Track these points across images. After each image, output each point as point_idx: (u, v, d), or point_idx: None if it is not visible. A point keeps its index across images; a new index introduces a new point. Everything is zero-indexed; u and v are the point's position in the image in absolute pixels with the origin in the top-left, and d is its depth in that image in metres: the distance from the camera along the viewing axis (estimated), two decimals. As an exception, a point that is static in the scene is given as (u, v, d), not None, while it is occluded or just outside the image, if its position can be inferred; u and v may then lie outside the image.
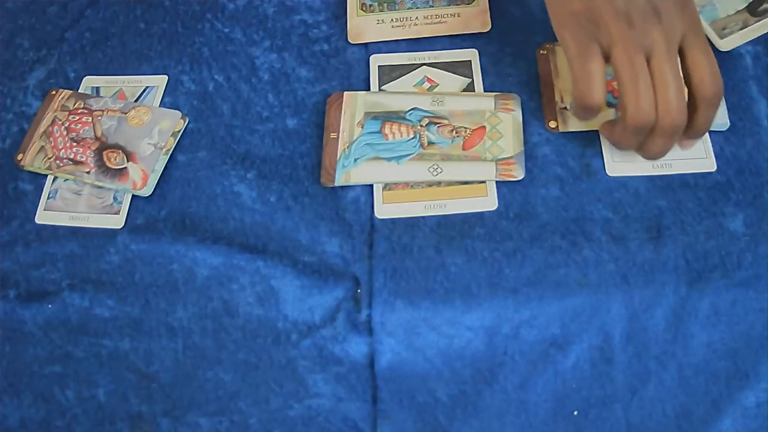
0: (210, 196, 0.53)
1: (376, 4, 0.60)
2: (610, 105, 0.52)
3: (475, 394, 0.47)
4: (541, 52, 0.55)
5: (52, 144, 0.56)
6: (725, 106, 0.52)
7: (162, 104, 0.57)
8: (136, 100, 0.57)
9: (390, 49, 0.58)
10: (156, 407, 0.48)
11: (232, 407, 0.48)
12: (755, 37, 0.52)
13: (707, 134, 0.52)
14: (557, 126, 0.53)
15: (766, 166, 0.51)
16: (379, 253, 0.50)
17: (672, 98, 0.44)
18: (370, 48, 0.58)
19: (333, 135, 0.54)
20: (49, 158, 0.55)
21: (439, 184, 0.52)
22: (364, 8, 0.60)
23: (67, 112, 0.57)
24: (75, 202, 0.54)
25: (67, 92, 0.58)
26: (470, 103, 0.54)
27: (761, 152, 0.51)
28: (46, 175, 0.55)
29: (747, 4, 0.53)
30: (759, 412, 0.46)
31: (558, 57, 0.55)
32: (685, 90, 0.45)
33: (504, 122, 0.53)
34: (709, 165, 0.51)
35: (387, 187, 0.52)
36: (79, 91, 0.59)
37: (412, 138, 0.53)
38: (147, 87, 0.58)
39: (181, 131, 0.56)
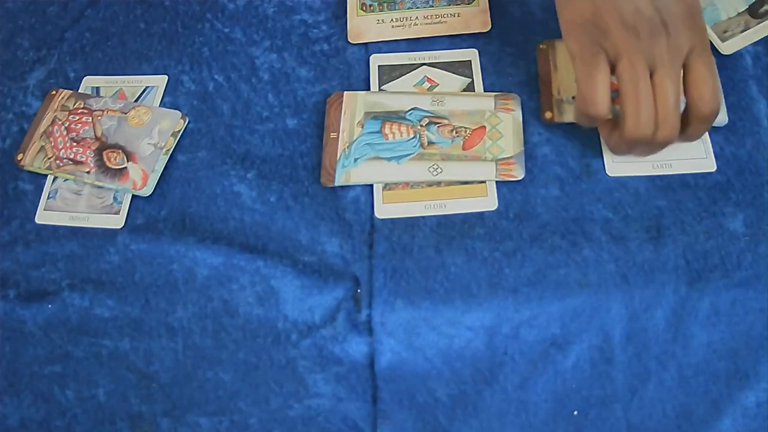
0: (210, 196, 0.53)
1: (376, 4, 0.60)
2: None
3: (475, 394, 0.47)
4: (541, 46, 0.55)
5: (52, 144, 0.56)
6: (724, 104, 0.52)
7: (162, 104, 0.57)
8: (136, 100, 0.57)
9: (390, 49, 0.58)
10: (156, 407, 0.48)
11: (232, 407, 0.48)
12: (757, 39, 0.52)
13: (707, 134, 0.52)
14: (552, 117, 0.53)
15: (766, 166, 0.51)
16: (379, 253, 0.50)
17: (669, 114, 0.44)
18: (370, 48, 0.58)
19: (333, 135, 0.54)
20: (49, 158, 0.55)
21: (439, 184, 0.52)
22: (364, 8, 0.60)
23: (67, 112, 0.57)
24: (75, 202, 0.54)
25: (67, 92, 0.58)
26: (470, 103, 0.54)
27: (761, 152, 0.51)
28: (46, 175, 0.55)
29: (748, 6, 0.53)
30: (759, 412, 0.46)
31: (557, 52, 0.55)
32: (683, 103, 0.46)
33: (504, 122, 0.53)
34: (709, 165, 0.51)
35: (387, 187, 0.52)
36: (79, 91, 0.59)
37: (412, 138, 0.53)
38: (147, 87, 0.58)
39: (181, 131, 0.56)
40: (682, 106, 0.46)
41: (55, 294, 0.51)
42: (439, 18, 0.58)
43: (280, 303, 0.49)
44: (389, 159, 0.52)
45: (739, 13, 0.53)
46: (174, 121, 0.56)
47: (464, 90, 0.55)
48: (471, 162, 0.52)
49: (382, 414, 0.47)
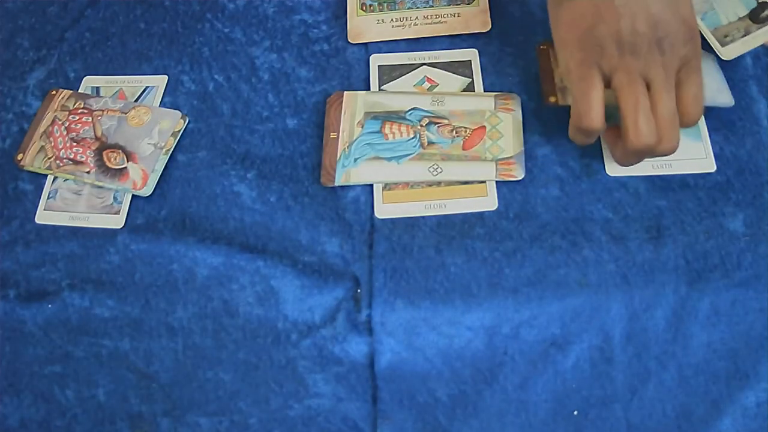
0: (210, 196, 0.53)
1: (376, 4, 0.60)
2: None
3: (475, 394, 0.47)
4: (541, 47, 0.55)
5: (52, 144, 0.56)
6: (727, 86, 0.52)
7: (162, 104, 0.57)
8: (136, 100, 0.57)
9: (390, 48, 0.58)
10: (156, 407, 0.48)
11: (232, 407, 0.48)
12: (758, 45, 0.52)
13: (707, 135, 0.52)
14: (557, 100, 0.52)
15: (766, 166, 0.51)
16: (379, 253, 0.50)
17: (669, 127, 0.45)
18: (370, 48, 0.58)
19: (333, 135, 0.54)
20: (49, 158, 0.55)
21: (439, 184, 0.52)
22: (364, 8, 0.60)
23: (67, 112, 0.57)
24: (75, 202, 0.54)
25: (67, 92, 0.58)
26: (470, 103, 0.54)
27: (761, 152, 0.51)
28: (46, 175, 0.55)
29: (749, 11, 0.53)
30: (759, 412, 0.46)
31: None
32: None
33: (504, 122, 0.53)
34: (709, 165, 0.51)
35: (387, 187, 0.52)
36: (79, 91, 0.59)
37: (412, 138, 0.53)
38: (147, 87, 0.58)
39: (181, 131, 0.56)
40: None
41: (55, 294, 0.51)
42: (439, 18, 0.58)
43: (280, 303, 0.49)
44: (389, 159, 0.52)
45: (739, 18, 0.53)
46: (174, 121, 0.56)
47: (464, 90, 0.55)
48: (471, 162, 0.52)
49: (382, 414, 0.47)
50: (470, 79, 0.56)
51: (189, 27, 0.61)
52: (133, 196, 0.54)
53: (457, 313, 0.48)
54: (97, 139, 0.55)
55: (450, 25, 0.58)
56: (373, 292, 0.49)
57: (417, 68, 0.57)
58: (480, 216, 0.51)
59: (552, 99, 0.52)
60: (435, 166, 0.52)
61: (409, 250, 0.50)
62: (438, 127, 0.53)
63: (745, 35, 0.52)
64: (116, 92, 0.58)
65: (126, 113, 0.56)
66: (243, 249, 0.51)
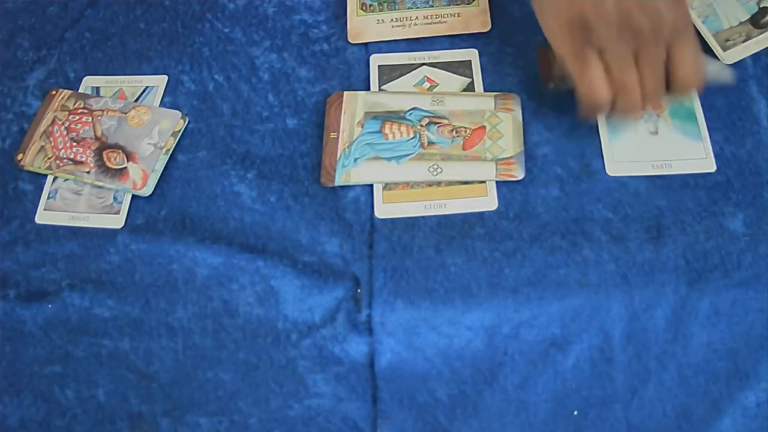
0: (210, 196, 0.53)
1: (376, 4, 0.60)
2: None
3: (475, 394, 0.47)
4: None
5: (52, 144, 0.56)
6: (724, 64, 0.52)
7: (162, 104, 0.57)
8: (136, 100, 0.57)
9: (390, 48, 0.58)
10: (156, 407, 0.48)
11: (232, 407, 0.48)
12: (759, 49, 0.52)
13: (707, 135, 0.52)
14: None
15: (766, 166, 0.51)
16: (379, 253, 0.50)
17: (653, 94, 0.47)
18: (370, 48, 0.58)
19: (333, 135, 0.54)
20: (49, 158, 0.55)
21: (439, 184, 0.52)
22: (364, 8, 0.60)
23: (67, 112, 0.57)
24: (75, 202, 0.54)
25: (67, 92, 0.58)
26: (470, 102, 0.54)
27: (761, 152, 0.51)
28: (46, 175, 0.55)
29: (750, 16, 0.53)
30: (759, 412, 0.46)
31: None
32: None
33: (504, 122, 0.53)
34: (709, 165, 0.51)
35: (387, 187, 0.52)
36: (79, 91, 0.59)
37: (412, 138, 0.53)
38: (147, 87, 0.58)
39: (181, 131, 0.56)
40: None
41: (55, 294, 0.51)
42: (439, 18, 0.58)
43: (280, 303, 0.49)
44: (389, 159, 0.52)
45: (741, 23, 0.53)
46: (174, 121, 0.56)
47: (464, 90, 0.55)
48: (471, 162, 0.52)
49: (382, 414, 0.47)
50: (470, 79, 0.56)
51: (189, 27, 0.61)
52: (133, 196, 0.54)
53: (457, 313, 0.48)
54: (97, 139, 0.55)
55: (450, 25, 0.58)
56: (373, 292, 0.49)
57: (417, 68, 0.57)
58: (480, 216, 0.51)
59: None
60: (435, 166, 0.52)
61: (409, 250, 0.50)
62: (438, 127, 0.53)
63: (746, 40, 0.52)
64: (116, 92, 0.58)
65: (126, 113, 0.56)
66: (243, 249, 0.51)
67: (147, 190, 0.53)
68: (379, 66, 0.57)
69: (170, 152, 0.55)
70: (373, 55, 0.58)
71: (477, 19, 0.58)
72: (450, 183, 0.52)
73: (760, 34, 0.52)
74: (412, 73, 0.56)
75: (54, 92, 0.58)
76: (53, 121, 0.57)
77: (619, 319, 0.47)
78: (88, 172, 0.54)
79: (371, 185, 0.52)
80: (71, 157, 0.55)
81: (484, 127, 0.53)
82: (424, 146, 0.53)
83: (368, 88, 0.56)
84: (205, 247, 0.51)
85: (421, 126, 0.53)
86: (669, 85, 0.48)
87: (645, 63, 0.46)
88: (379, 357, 0.48)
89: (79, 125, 0.56)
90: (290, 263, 0.50)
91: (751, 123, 0.52)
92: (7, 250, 0.53)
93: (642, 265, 0.48)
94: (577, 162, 0.52)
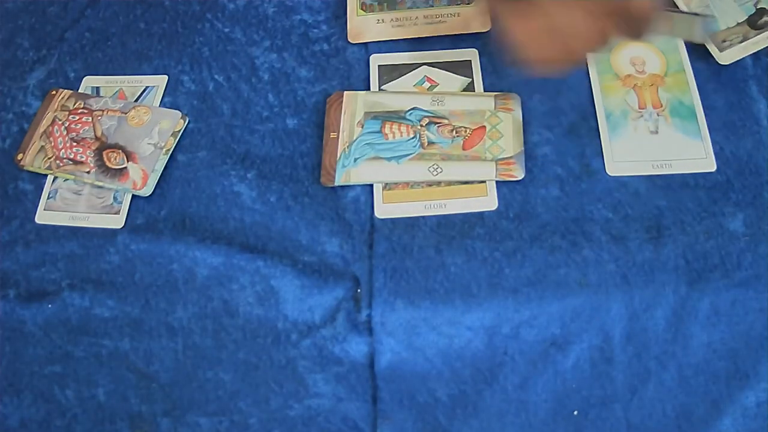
0: (210, 196, 0.53)
1: (376, 3, 0.60)
2: None
3: (475, 394, 0.47)
4: None
5: (52, 144, 0.56)
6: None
7: (162, 104, 0.57)
8: (136, 100, 0.57)
9: (390, 48, 0.58)
10: (156, 407, 0.48)
11: (232, 407, 0.48)
12: (756, 50, 0.52)
13: (707, 134, 0.52)
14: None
15: (766, 166, 0.51)
16: (379, 253, 0.50)
17: (599, 32, 0.42)
18: (370, 48, 0.58)
19: (333, 135, 0.54)
20: (49, 158, 0.55)
21: (439, 184, 0.52)
22: (364, 8, 0.59)
23: (67, 112, 0.57)
24: (75, 202, 0.54)
25: (67, 92, 0.58)
26: (470, 102, 0.54)
27: (761, 152, 0.51)
28: (46, 175, 0.55)
29: (747, 17, 0.53)
30: (759, 412, 0.46)
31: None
32: None
33: (504, 122, 0.53)
34: (709, 165, 0.51)
35: (387, 186, 0.52)
36: (79, 91, 0.59)
37: (412, 138, 0.53)
38: (147, 87, 0.58)
39: (181, 131, 0.56)
40: None
41: (55, 294, 0.51)
42: (439, 18, 0.58)
43: (280, 303, 0.49)
44: (389, 159, 0.52)
45: (738, 24, 0.53)
46: (174, 121, 0.56)
47: (464, 90, 0.55)
48: (471, 162, 0.52)
49: (382, 414, 0.47)
50: (470, 79, 0.56)
51: (189, 27, 0.61)
52: (133, 196, 0.54)
53: (457, 313, 0.48)
54: (97, 139, 0.55)
55: (450, 25, 0.58)
56: (373, 292, 0.49)
57: (417, 68, 0.57)
58: (480, 216, 0.51)
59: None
60: (435, 166, 0.52)
61: (409, 250, 0.50)
62: (438, 127, 0.53)
63: (743, 41, 0.52)
64: (116, 92, 0.58)
65: (126, 113, 0.56)
66: (243, 249, 0.51)
67: (147, 190, 0.53)
68: (379, 66, 0.57)
69: (170, 152, 0.55)
70: (373, 55, 0.57)
71: (477, 19, 0.58)
72: (450, 183, 0.52)
73: (757, 35, 0.52)
74: (412, 73, 0.56)
75: (54, 92, 0.58)
76: (53, 121, 0.57)
77: (619, 319, 0.47)
78: (88, 172, 0.54)
79: (371, 185, 0.52)
80: (71, 157, 0.55)
81: (484, 127, 0.53)
82: (424, 146, 0.53)
83: (368, 88, 0.56)
84: (205, 247, 0.51)
85: (421, 126, 0.53)
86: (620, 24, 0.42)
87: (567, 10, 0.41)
88: (379, 357, 0.48)
89: (79, 125, 0.56)
90: (290, 263, 0.50)
91: (751, 123, 0.52)
92: (7, 250, 0.53)
93: (642, 265, 0.48)
94: (577, 162, 0.52)
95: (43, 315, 0.50)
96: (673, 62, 0.55)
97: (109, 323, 0.50)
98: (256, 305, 0.49)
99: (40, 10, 0.63)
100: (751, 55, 0.54)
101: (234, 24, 0.60)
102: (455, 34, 0.58)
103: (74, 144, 0.55)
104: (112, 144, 0.55)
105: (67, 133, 0.56)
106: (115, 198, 0.54)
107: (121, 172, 0.54)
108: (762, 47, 0.52)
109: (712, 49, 0.52)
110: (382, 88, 0.56)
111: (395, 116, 0.54)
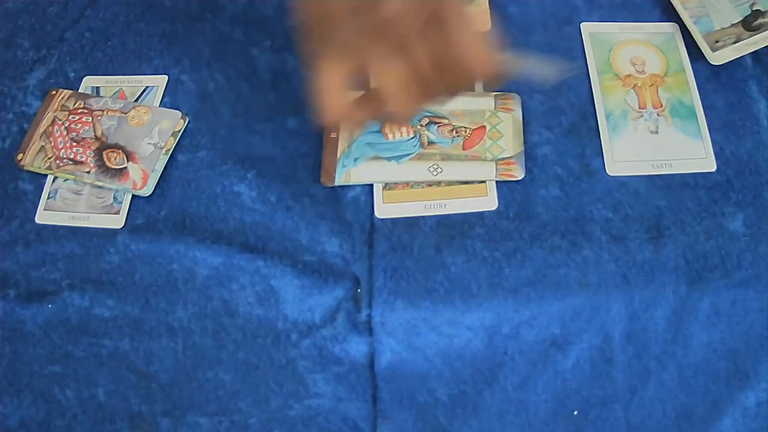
0: (210, 196, 0.53)
1: (376, 4, 0.59)
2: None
3: (475, 394, 0.47)
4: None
5: (52, 144, 0.56)
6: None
7: (162, 104, 0.57)
8: (136, 100, 0.57)
9: (390, 49, 0.58)
10: (156, 407, 0.48)
11: (232, 407, 0.48)
12: (748, 52, 0.52)
13: (707, 134, 0.52)
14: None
15: (766, 166, 0.51)
16: (379, 252, 0.50)
17: (423, 89, 0.41)
18: (370, 48, 0.58)
19: (333, 135, 0.54)
20: (49, 158, 0.55)
21: (439, 183, 0.52)
22: (364, 8, 0.59)
23: (67, 112, 0.57)
24: (75, 202, 0.54)
25: (67, 92, 0.58)
26: (470, 102, 0.54)
27: (761, 152, 0.51)
28: (46, 175, 0.55)
29: (742, 18, 0.53)
30: (759, 412, 0.46)
31: None
32: None
33: (504, 122, 0.53)
34: (709, 165, 0.51)
35: (387, 186, 0.52)
36: (79, 91, 0.59)
37: (412, 137, 0.53)
38: (147, 87, 0.58)
39: (181, 131, 0.56)
40: None
41: (55, 294, 0.51)
42: (439, 18, 0.58)
43: (280, 303, 0.49)
44: (389, 159, 0.52)
45: (732, 25, 0.53)
46: (174, 121, 0.56)
47: (464, 90, 0.55)
48: (471, 162, 0.52)
49: (382, 414, 0.47)
50: (470, 79, 0.56)
51: (189, 27, 0.61)
52: (133, 196, 0.54)
53: (457, 313, 0.48)
54: (97, 139, 0.55)
55: (450, 25, 0.58)
56: (373, 292, 0.49)
57: (417, 68, 0.56)
58: (480, 216, 0.51)
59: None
60: (435, 166, 0.52)
61: (409, 250, 0.50)
62: (438, 126, 0.53)
63: (736, 41, 0.52)
64: (116, 92, 0.58)
65: (126, 113, 0.56)
66: (243, 249, 0.51)
67: (147, 190, 0.53)
68: (379, 66, 0.57)
69: (170, 152, 0.55)
70: (373, 55, 0.57)
71: (477, 19, 0.58)
72: (450, 183, 0.52)
73: (750, 36, 0.52)
74: (412, 73, 0.56)
75: (54, 92, 0.58)
76: (53, 121, 0.57)
77: (619, 319, 0.47)
78: (88, 172, 0.54)
79: (371, 185, 0.52)
80: (71, 157, 0.55)
81: (484, 126, 0.53)
82: (424, 146, 0.53)
83: (368, 88, 0.56)
84: (205, 247, 0.51)
85: (421, 126, 0.53)
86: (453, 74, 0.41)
87: (405, 57, 0.40)
88: (379, 357, 0.48)
89: (79, 125, 0.56)
90: (290, 263, 0.50)
91: (751, 123, 0.52)
92: (7, 250, 0.53)
93: (642, 265, 0.48)
94: (577, 162, 0.52)
95: (43, 315, 0.50)
96: (673, 62, 0.55)
97: (109, 323, 0.50)
98: (256, 305, 0.49)
99: (40, 10, 0.63)
100: (751, 55, 0.55)
101: (234, 24, 0.60)
102: (455, 34, 0.57)
103: (74, 144, 0.55)
104: (112, 144, 0.55)
105: (67, 133, 0.56)
106: (115, 198, 0.54)
107: (121, 172, 0.54)
108: (754, 49, 0.52)
109: (705, 49, 0.53)
110: (382, 88, 0.56)
111: (395, 116, 0.54)
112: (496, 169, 0.51)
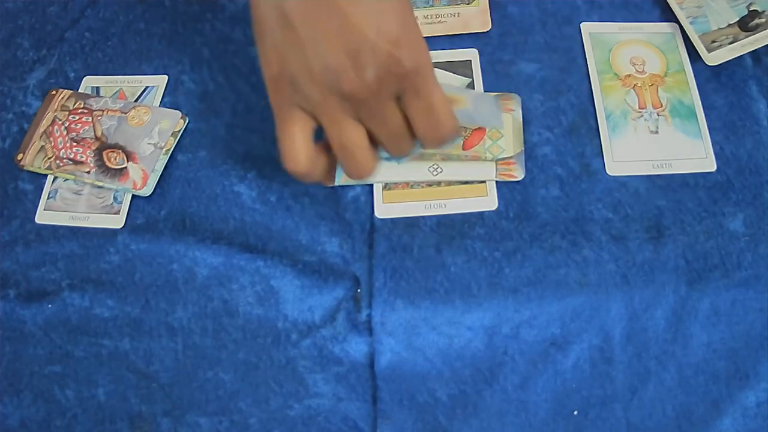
0: (210, 195, 0.53)
1: (376, 4, 0.59)
2: None
3: (475, 394, 0.47)
4: None
5: (52, 144, 0.56)
6: (497, 108, 0.49)
7: (162, 104, 0.57)
8: (136, 100, 0.57)
9: (390, 49, 0.58)
10: (156, 407, 0.48)
11: (232, 407, 0.48)
12: (744, 52, 0.52)
13: (707, 134, 0.52)
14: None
15: (766, 166, 0.51)
16: (379, 252, 0.50)
17: (393, 149, 0.44)
18: (370, 48, 0.58)
19: (333, 135, 0.54)
20: (49, 158, 0.55)
21: (439, 183, 0.52)
22: (364, 8, 0.59)
23: (67, 112, 0.57)
24: (75, 202, 0.54)
25: (67, 92, 0.58)
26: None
27: (761, 152, 0.51)
28: (46, 175, 0.55)
29: (739, 19, 0.53)
30: (759, 412, 0.46)
31: None
32: None
33: (504, 122, 0.53)
34: (709, 165, 0.51)
35: (387, 186, 0.52)
36: (79, 91, 0.59)
37: (412, 138, 0.53)
38: (147, 87, 0.58)
39: (181, 131, 0.56)
40: None
41: (55, 294, 0.51)
42: (439, 18, 0.58)
43: (280, 303, 0.49)
44: (389, 158, 0.52)
45: (729, 25, 0.53)
46: (174, 121, 0.56)
47: (464, 90, 0.55)
48: (471, 162, 0.52)
49: (382, 414, 0.47)
50: (470, 79, 0.56)
51: (189, 27, 0.61)
52: (133, 196, 0.54)
53: (457, 313, 0.48)
54: (97, 139, 0.55)
55: (450, 25, 0.58)
56: (373, 292, 0.49)
57: (417, 68, 0.56)
58: (480, 216, 0.51)
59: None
60: (435, 166, 0.52)
61: (409, 250, 0.50)
62: (438, 127, 0.53)
63: (732, 42, 0.52)
64: (116, 92, 0.58)
65: (126, 113, 0.56)
66: (243, 249, 0.51)
67: (147, 190, 0.53)
68: (379, 66, 0.57)
69: (170, 152, 0.55)
70: (373, 55, 0.57)
71: (477, 19, 0.58)
72: (450, 183, 0.52)
73: (746, 37, 0.52)
74: (412, 73, 0.56)
75: (54, 92, 0.58)
76: (53, 121, 0.57)
77: (619, 319, 0.47)
78: (88, 172, 0.54)
79: (371, 185, 0.52)
80: (71, 157, 0.55)
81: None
82: (424, 146, 0.53)
83: (368, 88, 0.56)
84: (205, 247, 0.51)
85: (421, 126, 0.53)
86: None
87: (368, 121, 0.42)
88: (379, 357, 0.48)
89: (79, 125, 0.56)
90: (290, 263, 0.50)
91: (751, 123, 0.52)
92: (7, 250, 0.53)
93: (642, 265, 0.48)
94: (577, 162, 0.52)
95: (43, 315, 0.50)
96: (673, 62, 0.55)
97: (109, 323, 0.50)
98: (256, 305, 0.49)
99: (40, 10, 0.63)
100: (751, 55, 0.55)
101: (234, 24, 0.60)
102: (455, 34, 0.58)
103: (74, 144, 0.55)
104: (112, 144, 0.55)
105: (67, 133, 0.56)
106: (115, 198, 0.54)
107: (121, 172, 0.54)
108: (751, 49, 0.52)
109: (700, 50, 0.53)
110: (382, 88, 0.56)
111: (395, 116, 0.54)
112: (496, 169, 0.51)
